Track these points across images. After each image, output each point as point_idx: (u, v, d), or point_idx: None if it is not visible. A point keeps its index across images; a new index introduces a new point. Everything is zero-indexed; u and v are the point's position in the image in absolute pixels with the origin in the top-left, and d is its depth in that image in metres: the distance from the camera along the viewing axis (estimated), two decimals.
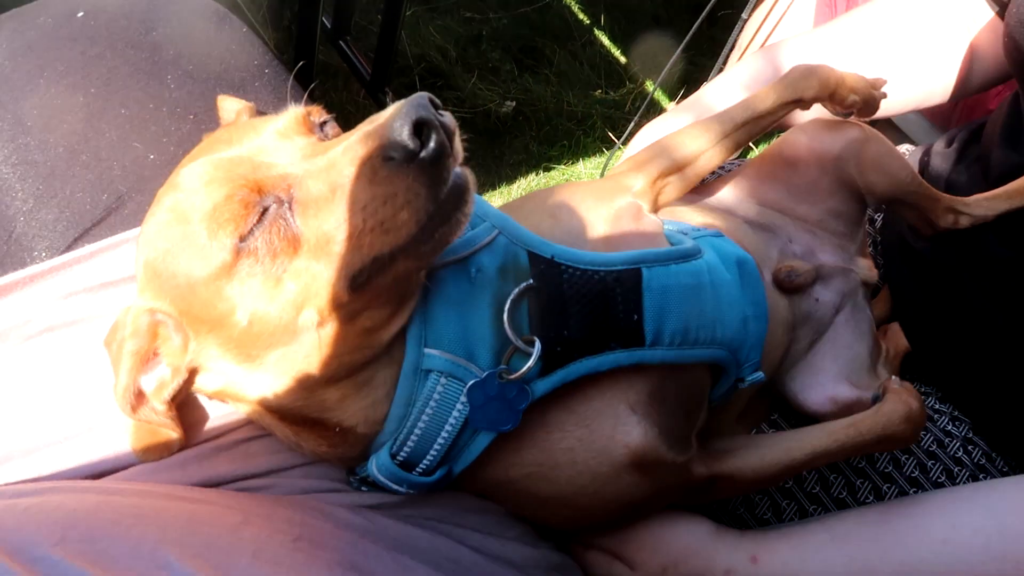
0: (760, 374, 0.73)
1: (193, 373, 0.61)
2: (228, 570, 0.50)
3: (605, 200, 0.74)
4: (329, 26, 2.16)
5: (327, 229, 0.55)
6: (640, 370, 0.65)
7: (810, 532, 0.76)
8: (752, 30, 1.76)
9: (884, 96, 0.88)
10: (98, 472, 0.65)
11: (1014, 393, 0.92)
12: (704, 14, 1.44)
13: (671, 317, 0.65)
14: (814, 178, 0.88)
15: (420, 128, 0.51)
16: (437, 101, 0.53)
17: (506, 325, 0.61)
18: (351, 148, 0.54)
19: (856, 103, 0.84)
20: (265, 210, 0.55)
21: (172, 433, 0.63)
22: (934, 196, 0.89)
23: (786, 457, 0.73)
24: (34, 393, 0.67)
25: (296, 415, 0.62)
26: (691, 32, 1.49)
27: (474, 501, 0.72)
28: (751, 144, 0.92)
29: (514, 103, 2.35)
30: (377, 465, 0.63)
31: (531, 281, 0.62)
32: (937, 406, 1.00)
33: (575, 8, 2.73)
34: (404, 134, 0.51)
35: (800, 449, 0.74)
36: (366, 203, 0.53)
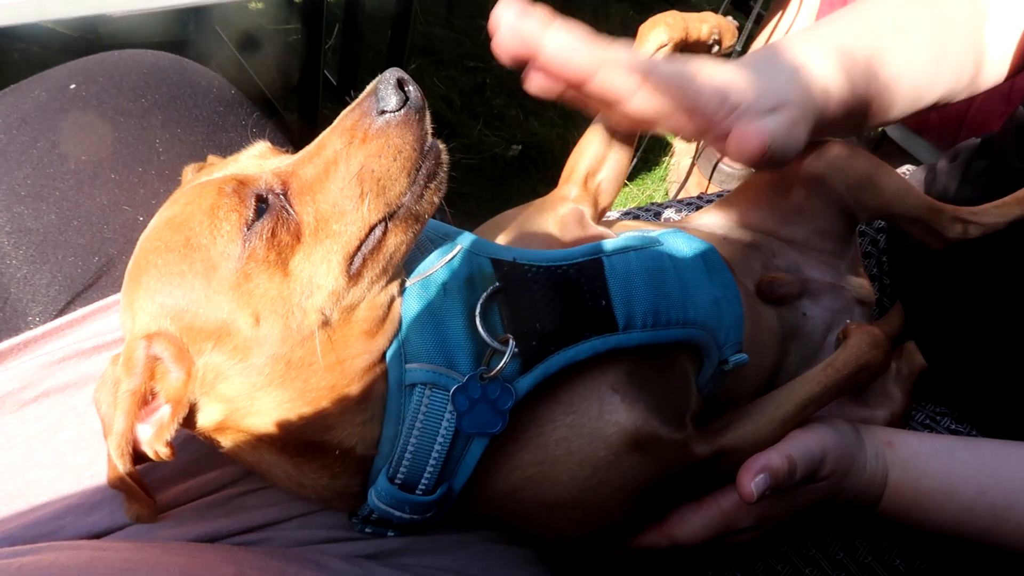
0: (744, 356, 0.73)
1: (193, 410, 0.59)
2: None
3: (547, 211, 0.77)
4: (335, 83, 2.22)
5: (324, 208, 0.58)
6: (619, 355, 0.66)
7: (940, 436, 0.82)
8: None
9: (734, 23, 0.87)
10: (94, 534, 0.65)
11: None
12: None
13: (639, 300, 0.66)
14: (799, 199, 0.87)
15: (401, 85, 0.58)
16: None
17: (479, 328, 0.62)
18: (338, 125, 0.60)
19: (712, 30, 0.84)
20: (264, 203, 0.57)
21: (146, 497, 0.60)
22: (936, 207, 0.87)
23: (779, 413, 0.74)
24: (30, 459, 0.67)
25: (297, 441, 0.61)
26: None
27: (479, 546, 0.71)
28: None
29: (520, 147, 2.38)
30: (376, 493, 0.63)
31: (497, 284, 0.64)
32: (953, 427, 0.98)
33: None
34: (390, 88, 0.58)
35: (789, 401, 0.75)
36: (360, 166, 0.58)
